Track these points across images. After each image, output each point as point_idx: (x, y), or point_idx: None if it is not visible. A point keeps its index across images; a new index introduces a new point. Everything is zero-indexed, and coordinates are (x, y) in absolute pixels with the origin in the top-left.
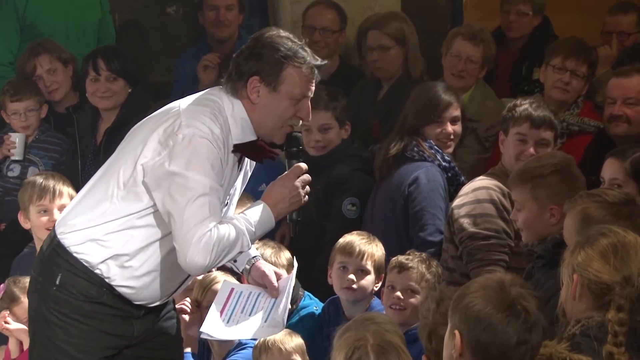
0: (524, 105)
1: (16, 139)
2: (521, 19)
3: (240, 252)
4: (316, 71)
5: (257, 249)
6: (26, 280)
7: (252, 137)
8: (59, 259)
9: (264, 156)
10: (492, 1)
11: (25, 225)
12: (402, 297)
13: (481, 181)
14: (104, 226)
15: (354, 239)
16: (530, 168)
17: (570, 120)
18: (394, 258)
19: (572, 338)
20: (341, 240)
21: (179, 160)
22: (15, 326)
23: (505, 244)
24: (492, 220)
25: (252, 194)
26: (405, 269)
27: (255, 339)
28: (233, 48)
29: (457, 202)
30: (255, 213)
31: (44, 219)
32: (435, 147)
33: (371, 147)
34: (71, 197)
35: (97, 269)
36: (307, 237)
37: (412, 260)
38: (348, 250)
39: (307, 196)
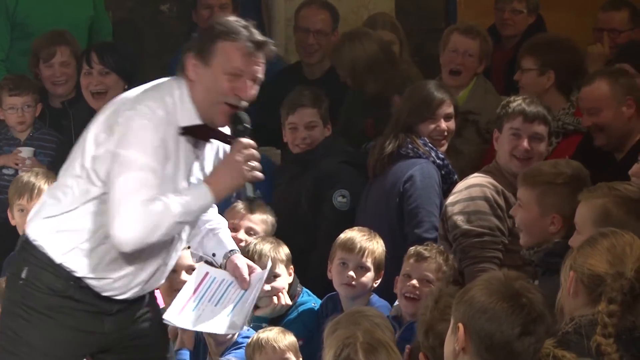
0: (518, 101)
1: (26, 154)
2: (516, 17)
3: (180, 224)
4: (259, 49)
5: (255, 244)
6: None
7: (198, 120)
8: (26, 253)
9: (211, 136)
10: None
11: (12, 222)
12: (417, 285)
13: (475, 178)
14: (65, 217)
15: (355, 235)
16: (543, 172)
17: (566, 119)
18: (411, 247)
19: (564, 335)
20: (342, 236)
21: (117, 140)
22: None
23: (499, 242)
24: (486, 217)
25: None
26: (422, 258)
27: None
28: None
29: (450, 199)
30: (191, 190)
31: (24, 218)
32: (430, 144)
33: (365, 145)
34: None
35: (62, 261)
36: (301, 234)
37: (430, 250)
38: (349, 246)
39: (255, 171)
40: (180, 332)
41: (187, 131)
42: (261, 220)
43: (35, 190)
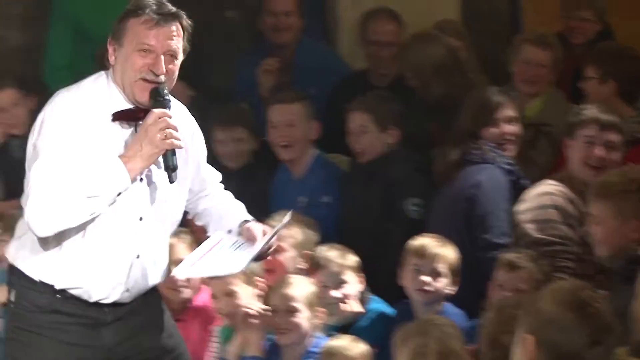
0: (591, 109)
1: None
2: (584, 25)
3: (94, 200)
4: (168, 21)
5: (322, 251)
6: None
7: (127, 104)
8: (12, 277)
9: (142, 117)
10: (552, 6)
11: None
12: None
13: (545, 186)
14: (30, 232)
15: (427, 241)
16: (614, 182)
17: (634, 127)
18: (502, 255)
19: (639, 344)
20: (414, 243)
21: (36, 135)
22: None
23: (570, 251)
24: (557, 226)
25: (313, 205)
26: (514, 268)
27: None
28: (293, 53)
29: (520, 207)
30: (105, 166)
31: None
32: (496, 150)
33: (432, 152)
34: None
35: (39, 277)
36: (369, 242)
37: (522, 258)
38: (421, 252)
39: (170, 139)
40: (249, 337)
41: (117, 117)
42: (289, 234)
43: None
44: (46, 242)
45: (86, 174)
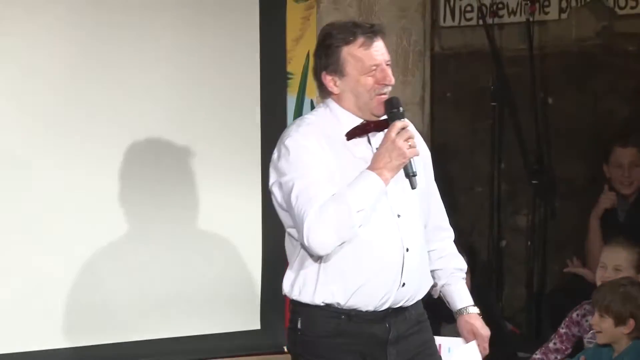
0: None
1: None
2: None
3: (361, 213)
4: (376, 36)
5: None
6: None
7: (358, 121)
8: (295, 307)
9: (375, 128)
10: None
11: None
12: None
13: None
14: (296, 260)
15: None
16: None
17: None
18: None
19: None
20: None
21: (276, 173)
22: None
23: None
24: None
25: None
26: None
27: None
28: None
29: None
30: (359, 179)
31: None
32: None
33: None
34: None
35: (322, 298)
36: None
37: None
38: None
39: (412, 148)
40: None
41: (350, 135)
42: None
43: None
44: (320, 265)
45: (348, 190)
